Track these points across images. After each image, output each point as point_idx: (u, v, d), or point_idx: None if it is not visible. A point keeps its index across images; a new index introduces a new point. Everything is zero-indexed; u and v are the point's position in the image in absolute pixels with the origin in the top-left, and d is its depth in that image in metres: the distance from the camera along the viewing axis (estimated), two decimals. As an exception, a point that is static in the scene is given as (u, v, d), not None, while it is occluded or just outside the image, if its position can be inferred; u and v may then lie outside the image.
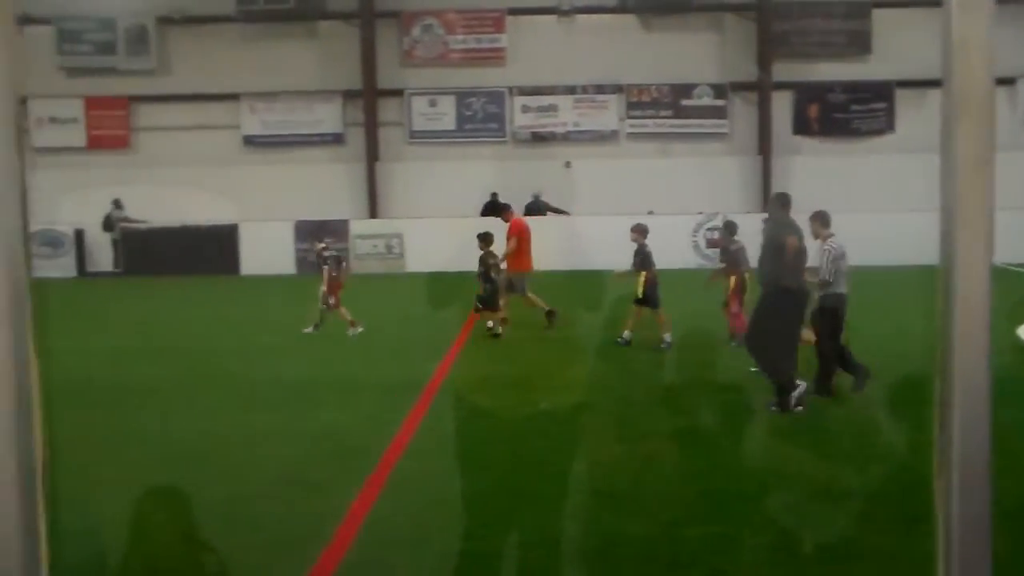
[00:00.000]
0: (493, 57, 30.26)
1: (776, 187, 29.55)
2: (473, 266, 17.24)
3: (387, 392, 12.68)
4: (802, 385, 11.04)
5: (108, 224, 28.83)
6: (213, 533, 6.08)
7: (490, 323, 16.85)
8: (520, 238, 17.76)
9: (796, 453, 9.70)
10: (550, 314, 17.17)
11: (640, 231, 15.93)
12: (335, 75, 30.34)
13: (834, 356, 11.84)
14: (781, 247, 11.39)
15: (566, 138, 30.32)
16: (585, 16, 30.12)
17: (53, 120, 30.09)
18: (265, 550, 7.01)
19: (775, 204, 12.62)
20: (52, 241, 28.46)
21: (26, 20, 29.73)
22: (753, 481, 8.51)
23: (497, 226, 18.30)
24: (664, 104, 30.22)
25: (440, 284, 21.79)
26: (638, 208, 26.25)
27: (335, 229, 28.43)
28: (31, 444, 1.54)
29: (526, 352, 15.79)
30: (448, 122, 30.47)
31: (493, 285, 17.04)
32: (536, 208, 28.31)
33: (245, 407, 12.08)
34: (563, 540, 7.07)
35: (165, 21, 30.03)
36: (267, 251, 28.25)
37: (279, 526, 7.58)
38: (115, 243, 28.80)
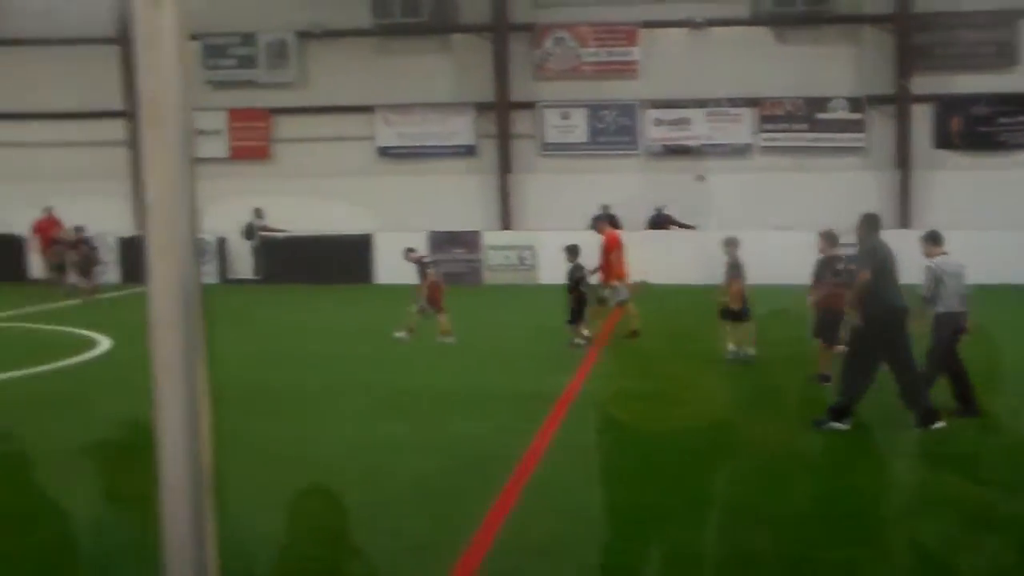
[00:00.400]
0: (625, 70, 30.17)
1: (916, 202, 28.83)
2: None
3: (520, 403, 12.76)
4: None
5: (249, 232, 29.63)
6: (355, 538, 6.21)
7: (578, 339, 16.91)
8: (614, 250, 17.75)
9: (940, 477, 9.44)
10: (634, 333, 17.05)
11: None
12: (468, 88, 30.65)
13: (938, 374, 11.53)
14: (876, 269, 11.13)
15: (699, 151, 30.04)
16: (718, 29, 29.79)
17: (202, 132, 31.12)
18: (404, 555, 7.13)
19: (865, 225, 12.10)
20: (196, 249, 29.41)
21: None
22: (893, 504, 8.31)
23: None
24: (799, 117, 29.71)
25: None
26: (772, 222, 25.90)
27: (467, 240, 28.71)
28: (201, 449, 1.59)
29: (661, 365, 15.72)
30: (580, 134, 30.48)
31: (581, 297, 17.10)
32: (660, 221, 28.17)
33: (381, 415, 12.28)
34: (700, 556, 7.02)
35: (304, 35, 30.77)
36: (401, 261, 28.61)
37: (416, 532, 7.70)
38: (255, 251, 29.61)
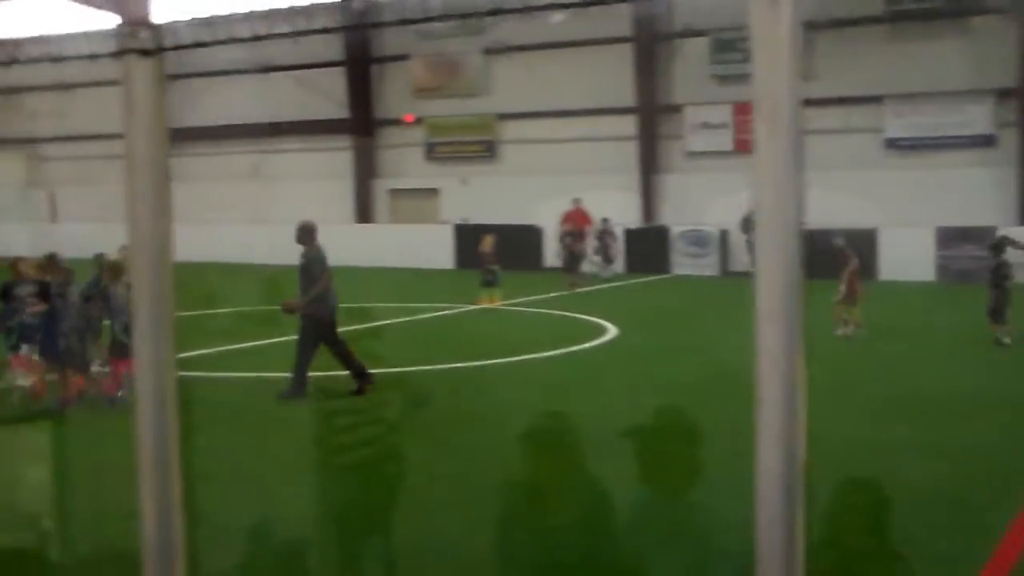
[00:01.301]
0: None
1: None
2: None
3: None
4: None
5: (746, 225, 29.77)
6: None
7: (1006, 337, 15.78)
8: None
9: None
10: None
11: None
12: (987, 74, 28.68)
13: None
14: None
15: None
16: None
17: (705, 125, 31.79)
18: (923, 563, 6.85)
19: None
20: (699, 241, 30.08)
21: (686, 33, 31.67)
22: None
23: None
24: None
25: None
26: None
27: (977, 236, 26.91)
28: (797, 440, 1.63)
29: None
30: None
31: (1003, 294, 15.90)
32: None
33: (884, 416, 11.88)
34: None
35: (812, 26, 30.35)
36: (906, 257, 27.48)
37: (927, 541, 7.37)
38: (750, 244, 29.69)
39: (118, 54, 2.48)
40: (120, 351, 12.66)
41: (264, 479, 8.95)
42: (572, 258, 27.31)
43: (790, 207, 1.56)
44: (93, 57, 2.54)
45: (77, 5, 38.80)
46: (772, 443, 1.59)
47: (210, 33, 2.63)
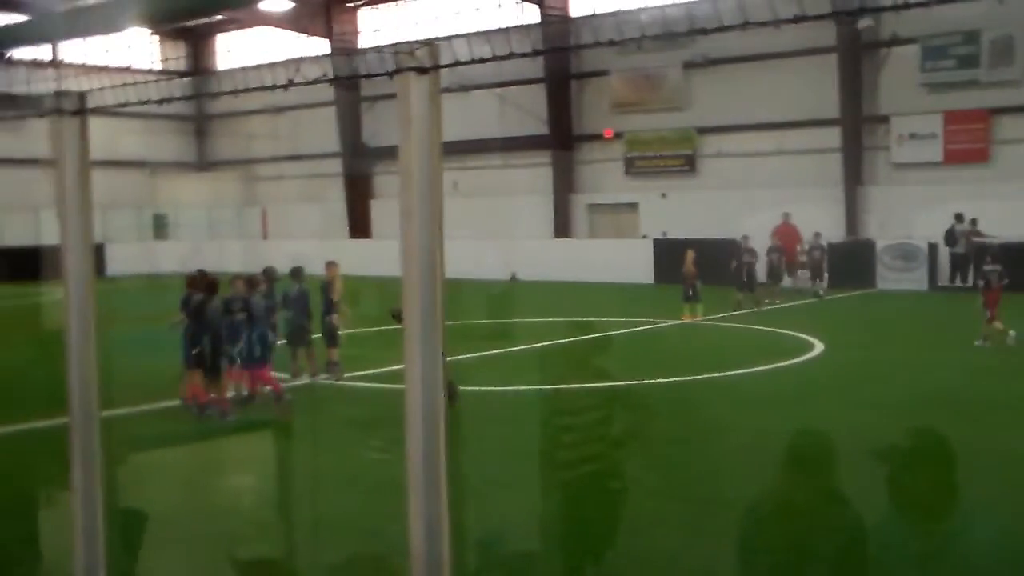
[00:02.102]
0: None
1: None
2: None
3: None
4: None
5: (950, 238, 28.64)
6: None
7: None
8: None
9: None
10: None
11: None
12: None
13: None
14: None
15: None
16: None
17: (912, 136, 30.81)
18: None
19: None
20: (906, 254, 29.14)
21: (894, 41, 30.80)
22: None
23: None
24: None
25: None
26: None
27: None
28: None
29: None
30: None
31: None
32: None
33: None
34: None
35: (1032, 30, 29.04)
36: None
37: None
38: (954, 257, 28.49)
39: (395, 72, 2.50)
40: (251, 360, 13.42)
41: (486, 490, 9.25)
42: (772, 274, 26.86)
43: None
44: (367, 76, 2.63)
45: (287, 32, 40.74)
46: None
47: (451, 53, 2.69)
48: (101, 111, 3.33)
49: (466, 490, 8.40)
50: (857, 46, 31.25)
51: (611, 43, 3.07)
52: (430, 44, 2.55)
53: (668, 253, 29.77)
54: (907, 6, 2.54)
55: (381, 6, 41.52)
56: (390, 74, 2.54)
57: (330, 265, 15.86)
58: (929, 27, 28.89)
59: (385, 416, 10.19)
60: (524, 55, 2.76)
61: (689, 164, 35.53)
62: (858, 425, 10.90)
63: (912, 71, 30.61)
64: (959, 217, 28.38)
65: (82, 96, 3.24)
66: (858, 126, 31.69)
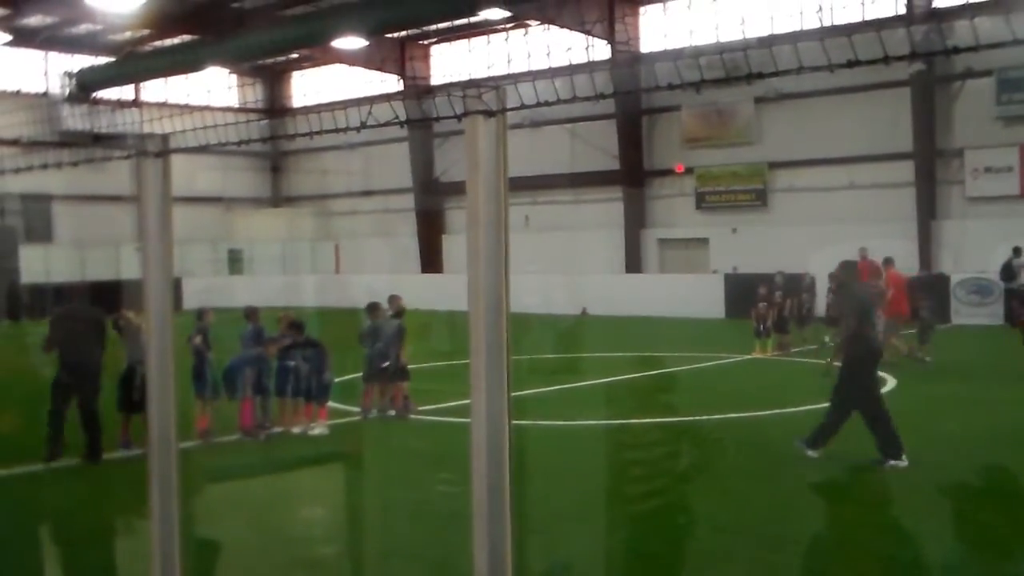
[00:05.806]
0: None
1: None
2: None
3: None
4: None
5: (1007, 273, 27.98)
6: None
7: None
8: None
9: None
10: None
11: None
12: None
13: None
14: None
15: None
16: None
17: (988, 170, 30.37)
18: None
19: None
20: (981, 289, 28.64)
21: (968, 74, 30.44)
22: None
23: None
24: None
25: None
26: None
27: None
28: None
29: None
30: None
31: None
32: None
33: None
34: None
35: None
36: None
37: None
38: (1009, 292, 27.74)
39: (463, 115, 2.58)
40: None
41: (552, 523, 9.28)
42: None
43: None
44: (437, 119, 2.71)
45: (360, 70, 41.33)
46: None
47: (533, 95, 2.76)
48: (181, 151, 3.48)
49: (532, 523, 8.45)
50: (931, 79, 30.93)
51: (680, 86, 3.08)
52: (497, 88, 2.63)
53: (739, 288, 29.57)
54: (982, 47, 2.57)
55: (455, 42, 42.03)
56: (458, 117, 2.63)
57: (393, 299, 15.85)
58: (1004, 60, 28.52)
59: (455, 451, 10.28)
60: (587, 99, 2.84)
61: (760, 199, 35.34)
62: (931, 462, 10.77)
63: (987, 104, 30.24)
64: (1017, 251, 27.63)
65: (165, 138, 3.39)
66: (932, 160, 31.30)
